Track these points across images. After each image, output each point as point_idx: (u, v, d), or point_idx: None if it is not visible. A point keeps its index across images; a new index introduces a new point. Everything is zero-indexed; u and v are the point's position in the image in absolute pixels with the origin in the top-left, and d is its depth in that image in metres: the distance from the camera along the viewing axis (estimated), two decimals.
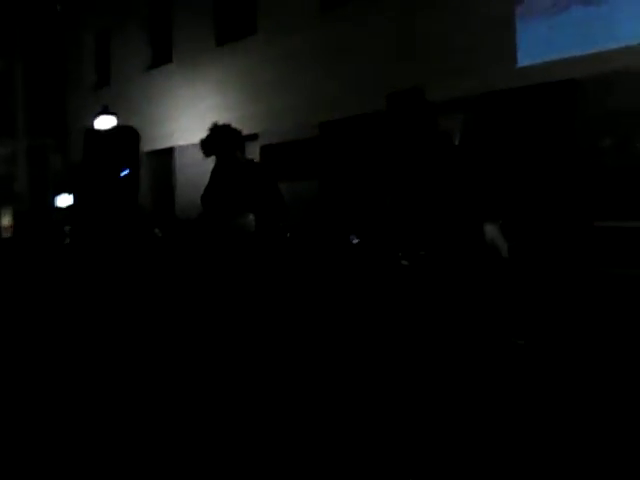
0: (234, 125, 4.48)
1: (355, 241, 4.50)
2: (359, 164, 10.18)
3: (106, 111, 13.37)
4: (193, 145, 13.67)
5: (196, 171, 12.91)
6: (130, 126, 8.54)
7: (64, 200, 15.52)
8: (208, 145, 4.15)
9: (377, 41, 10.09)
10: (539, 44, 8.09)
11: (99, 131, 8.04)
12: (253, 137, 12.15)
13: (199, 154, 4.39)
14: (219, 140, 4.12)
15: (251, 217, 3.89)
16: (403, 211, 4.19)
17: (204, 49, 13.61)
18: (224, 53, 13.19)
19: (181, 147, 13.97)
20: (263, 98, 12.13)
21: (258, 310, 3.73)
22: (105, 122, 12.93)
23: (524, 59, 8.28)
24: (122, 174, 7.71)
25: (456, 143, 8.05)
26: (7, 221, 18.61)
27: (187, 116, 14.03)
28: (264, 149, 11.66)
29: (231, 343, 3.63)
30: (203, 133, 13.62)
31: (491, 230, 5.38)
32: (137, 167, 7.96)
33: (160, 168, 14.74)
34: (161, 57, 15.26)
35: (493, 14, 8.42)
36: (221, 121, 4.28)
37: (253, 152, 11.09)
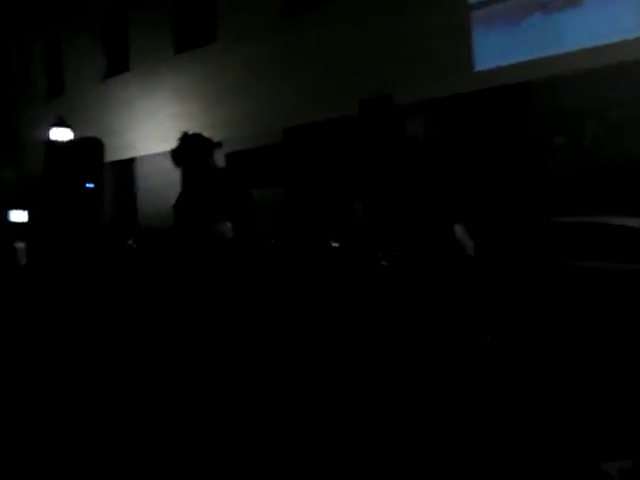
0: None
1: (335, 245, 4.60)
2: (327, 169, 10.30)
3: (60, 123, 13.02)
4: (154, 155, 13.57)
5: (158, 181, 12.86)
6: (94, 137, 8.32)
7: (18, 216, 15.00)
8: (179, 155, 4.12)
9: (338, 48, 10.26)
10: (494, 49, 8.41)
11: (61, 143, 7.74)
12: (217, 145, 12.10)
13: (161, 164, 4.39)
14: (190, 149, 4.11)
15: (229, 224, 3.92)
16: (378, 214, 4.32)
17: (162, 57, 13.48)
18: (183, 61, 13.10)
19: (142, 157, 13.77)
20: (225, 105, 12.11)
21: (249, 313, 3.76)
22: (60, 134, 12.60)
23: (481, 63, 8.59)
24: (86, 187, 7.52)
25: (422, 148, 8.30)
26: None
27: (146, 126, 13.85)
28: (229, 157, 11.63)
29: (222, 348, 3.65)
30: (164, 142, 13.59)
31: (458, 229, 5.60)
32: (101, 180, 7.76)
33: (120, 179, 14.47)
34: (117, 66, 15.01)
35: (450, 21, 8.71)
36: (182, 129, 4.29)
37: (217, 160, 11.06)
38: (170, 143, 13.94)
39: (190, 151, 4.09)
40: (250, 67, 11.59)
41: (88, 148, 7.76)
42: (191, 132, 4.33)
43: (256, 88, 11.50)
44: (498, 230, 6.85)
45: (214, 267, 3.80)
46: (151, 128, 13.67)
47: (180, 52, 13.22)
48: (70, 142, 8.06)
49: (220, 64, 12.17)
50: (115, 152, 13.93)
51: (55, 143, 7.64)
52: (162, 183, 12.96)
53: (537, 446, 2.76)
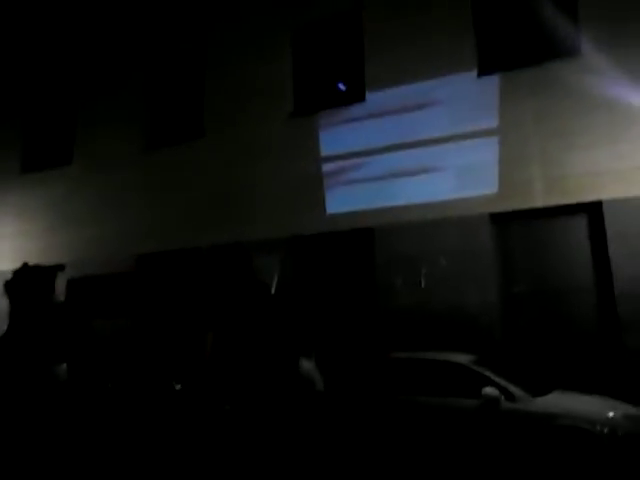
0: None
1: (177, 387, 4.43)
2: (180, 299, 10.10)
3: None
4: None
5: None
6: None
7: None
8: (15, 288, 3.77)
9: (198, 182, 10.66)
10: (344, 197, 9.39)
11: None
12: (60, 267, 11.36)
13: None
14: (29, 283, 3.79)
15: (64, 367, 3.63)
16: (223, 358, 4.32)
17: (7, 174, 12.80)
18: (31, 180, 12.53)
19: None
20: (73, 228, 11.62)
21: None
22: None
23: (332, 208, 9.48)
24: None
25: (275, 281, 8.62)
26: None
27: None
28: (71, 283, 10.88)
29: None
30: (3, 259, 12.37)
31: (306, 365, 5.75)
32: None
33: None
34: None
35: (304, 169, 9.64)
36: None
37: (58, 285, 10.30)
38: (7, 262, 12.91)
39: (28, 285, 3.78)
40: (107, 193, 11.46)
41: None
42: (31, 264, 4.05)
43: (108, 214, 11.29)
44: (344, 366, 7.17)
45: (40, 416, 3.43)
46: None
47: (28, 172, 12.68)
48: None
49: (74, 187, 11.86)
50: None
51: None
52: None
53: None
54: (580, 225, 8.20)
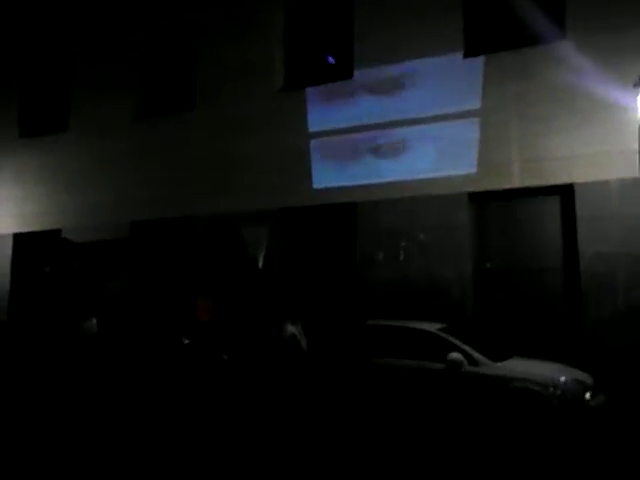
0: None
1: (186, 342, 5.09)
2: (172, 264, 10.54)
3: None
4: None
5: None
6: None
7: None
8: (48, 255, 4.46)
9: (188, 152, 10.97)
10: (329, 172, 9.77)
11: None
12: (57, 232, 11.75)
13: None
14: (55, 251, 4.44)
15: (94, 321, 4.25)
16: (225, 313, 4.97)
17: (5, 139, 13.03)
18: (27, 145, 12.79)
19: None
20: (69, 194, 11.95)
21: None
22: None
23: (318, 183, 9.87)
24: None
25: (262, 253, 9.10)
26: None
27: None
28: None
29: None
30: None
31: (292, 327, 6.26)
32: None
33: None
34: None
35: (292, 145, 9.98)
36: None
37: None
38: (6, 225, 13.35)
39: (54, 253, 4.41)
40: (101, 160, 11.75)
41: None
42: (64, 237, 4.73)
43: (105, 180, 11.61)
44: (327, 330, 7.69)
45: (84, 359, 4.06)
46: None
47: (26, 136, 12.93)
48: None
49: (70, 153, 12.15)
50: None
51: None
52: None
53: None
54: (552, 206, 8.65)
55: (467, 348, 6.64)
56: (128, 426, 4.56)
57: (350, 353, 7.09)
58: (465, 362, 6.46)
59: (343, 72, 10.04)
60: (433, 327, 7.08)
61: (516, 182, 8.68)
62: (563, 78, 8.39)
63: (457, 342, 6.73)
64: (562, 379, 6.21)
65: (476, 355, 6.57)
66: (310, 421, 5.55)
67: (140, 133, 11.53)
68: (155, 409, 4.90)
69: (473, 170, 8.90)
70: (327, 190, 9.73)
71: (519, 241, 8.77)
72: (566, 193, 8.42)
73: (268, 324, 6.03)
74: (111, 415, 4.40)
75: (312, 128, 10.01)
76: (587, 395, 6.13)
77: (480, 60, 9.06)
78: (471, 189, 8.90)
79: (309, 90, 10.16)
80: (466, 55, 9.20)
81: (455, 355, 6.49)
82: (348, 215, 9.62)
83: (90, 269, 4.93)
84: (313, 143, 9.96)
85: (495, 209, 9.02)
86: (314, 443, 5.04)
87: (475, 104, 9.00)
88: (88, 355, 4.15)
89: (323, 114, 9.91)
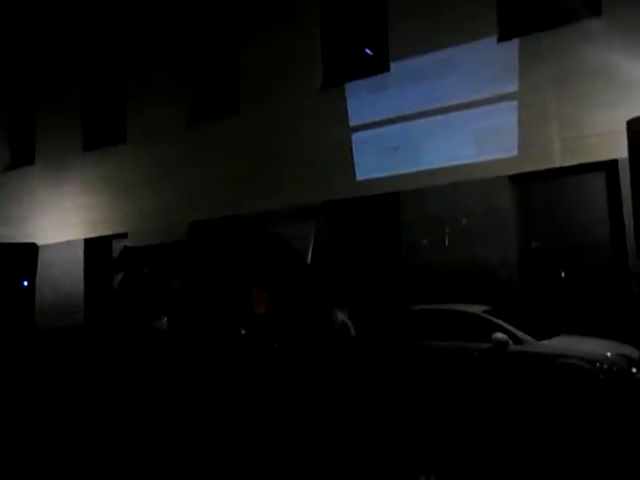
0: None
1: (243, 332, 5.71)
2: (228, 261, 11.20)
3: None
4: (61, 243, 13.69)
5: (64, 269, 13.02)
6: (32, 243, 9.21)
7: None
8: (119, 263, 5.17)
9: (236, 154, 11.58)
10: (371, 164, 10.11)
11: (1, 245, 8.67)
12: (123, 236, 12.69)
13: (64, 252, 5.12)
14: (128, 259, 5.14)
15: (165, 319, 4.94)
16: (279, 304, 5.53)
17: (70, 153, 14.10)
18: (91, 158, 13.80)
19: (44, 246, 13.87)
20: (131, 200, 12.84)
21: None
22: None
23: (361, 174, 10.23)
24: (23, 284, 8.27)
25: (310, 245, 9.56)
26: None
27: (50, 216, 14.12)
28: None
29: None
30: (70, 230, 14.02)
31: (340, 315, 6.70)
32: (34, 278, 8.56)
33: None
34: (22, 159, 15.34)
35: (334, 139, 10.36)
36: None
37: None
38: (76, 231, 14.50)
39: (128, 261, 5.14)
40: (158, 166, 12.55)
41: (25, 251, 8.60)
42: (130, 245, 5.47)
43: (163, 185, 12.41)
44: (374, 316, 8.09)
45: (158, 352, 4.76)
46: (56, 218, 13.97)
47: (88, 150, 13.93)
48: (10, 245, 8.85)
49: (129, 162, 13.04)
50: (16, 241, 13.93)
51: None
52: (63, 272, 13.13)
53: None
54: (596, 183, 8.63)
55: (511, 328, 6.86)
56: (200, 408, 5.17)
57: (398, 337, 7.46)
58: (510, 341, 6.70)
59: (380, 65, 10.31)
60: (478, 309, 7.33)
61: (558, 161, 8.72)
62: (599, 55, 8.33)
63: (502, 323, 6.96)
64: (608, 354, 6.34)
65: (520, 334, 6.78)
66: (361, 403, 5.96)
67: (192, 138, 12.25)
68: (221, 394, 5.50)
69: (514, 152, 8.99)
70: (370, 181, 10.07)
71: (564, 220, 8.82)
72: (610, 169, 8.39)
73: (318, 313, 6.50)
74: (186, 398, 5.01)
75: (353, 122, 10.35)
76: (634, 369, 6.24)
77: (515, 42, 9.10)
78: (513, 171, 8.99)
79: (348, 85, 10.50)
80: (500, 39, 9.26)
81: (500, 335, 6.74)
82: (391, 204, 9.94)
83: (157, 273, 5.57)
84: (354, 136, 10.31)
85: (538, 189, 9.08)
86: (368, 424, 5.44)
87: (512, 87, 9.06)
88: (161, 348, 4.79)
89: (362, 107, 10.23)
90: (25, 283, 8.19)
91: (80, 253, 13.53)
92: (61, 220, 13.80)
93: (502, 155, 9.05)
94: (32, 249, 8.75)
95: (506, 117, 9.06)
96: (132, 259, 5.05)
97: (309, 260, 8.46)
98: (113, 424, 4.89)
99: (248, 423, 4.96)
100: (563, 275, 8.68)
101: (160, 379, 4.83)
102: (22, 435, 5.14)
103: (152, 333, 4.83)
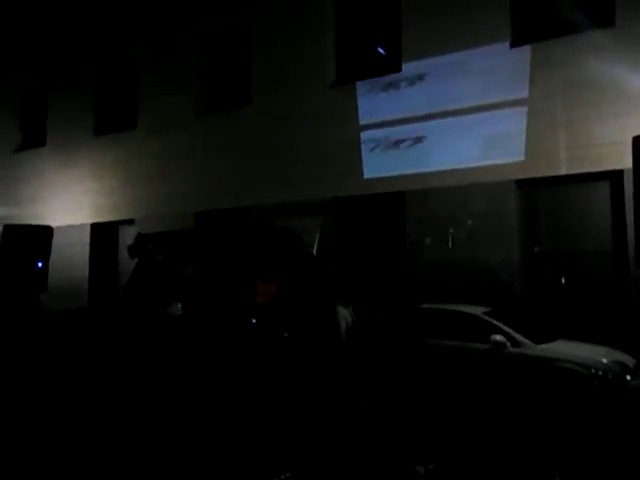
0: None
1: (254, 321, 5.88)
2: (234, 251, 11.35)
3: None
4: (68, 226, 13.85)
5: (70, 252, 13.16)
6: (47, 225, 9.40)
7: None
8: (134, 250, 5.31)
9: (246, 146, 11.69)
10: (379, 163, 10.22)
11: (17, 227, 8.84)
12: (129, 222, 12.83)
13: (70, 236, 5.25)
14: (143, 247, 5.28)
15: (179, 305, 5.10)
16: (285, 296, 5.66)
17: (81, 137, 14.22)
18: (101, 142, 13.92)
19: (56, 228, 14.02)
20: (140, 186, 12.97)
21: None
22: None
23: (368, 173, 10.34)
24: (38, 266, 8.46)
25: (316, 240, 9.71)
26: None
27: (58, 198, 14.26)
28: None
29: None
30: (77, 214, 14.23)
31: (343, 311, 6.83)
32: (48, 260, 8.74)
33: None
34: (33, 140, 15.47)
35: (343, 136, 10.47)
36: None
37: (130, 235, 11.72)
38: (83, 215, 14.66)
39: (142, 248, 5.27)
40: (168, 155, 12.67)
41: (39, 233, 8.82)
42: (143, 233, 5.56)
43: (172, 173, 12.53)
44: (377, 312, 8.22)
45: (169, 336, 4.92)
46: (65, 200, 14.11)
47: (99, 134, 14.05)
48: (24, 227, 9.04)
49: (139, 149, 13.15)
50: (24, 221, 14.07)
51: (12, 227, 8.54)
52: (73, 254, 13.27)
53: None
54: (601, 192, 8.74)
55: (510, 330, 6.99)
56: (215, 393, 5.34)
57: (399, 334, 7.60)
58: (507, 343, 6.83)
59: (392, 65, 10.39)
60: (478, 310, 7.46)
61: (564, 169, 8.82)
62: (611, 65, 8.41)
63: (500, 325, 7.09)
64: (604, 360, 6.47)
65: (519, 337, 6.91)
66: (361, 398, 6.09)
67: (203, 128, 12.37)
68: (235, 379, 5.67)
69: (521, 157, 9.09)
70: (377, 180, 10.19)
71: (568, 226, 8.93)
72: (615, 178, 8.49)
73: (324, 307, 6.62)
74: (201, 382, 5.15)
75: (362, 120, 10.45)
76: (628, 377, 6.37)
77: (527, 48, 9.18)
78: (519, 176, 9.10)
79: (359, 83, 10.59)
80: (513, 44, 9.34)
81: (498, 337, 6.87)
82: (397, 203, 10.05)
83: (170, 260, 5.70)
84: (363, 135, 10.41)
85: (544, 195, 9.19)
86: (366, 418, 5.58)
87: (523, 92, 9.15)
88: (177, 332, 4.95)
89: (373, 106, 10.33)
90: (39, 265, 8.35)
91: (86, 237, 13.67)
92: (69, 203, 13.94)
93: (509, 160, 9.15)
94: (47, 231, 8.88)
95: (515, 122, 9.15)
96: (146, 246, 5.18)
97: (314, 253, 8.58)
98: (126, 407, 5.03)
99: (256, 411, 5.12)
100: (564, 280, 8.80)
101: (176, 363, 4.99)
102: (30, 420, 5.28)
103: (167, 318, 4.98)
